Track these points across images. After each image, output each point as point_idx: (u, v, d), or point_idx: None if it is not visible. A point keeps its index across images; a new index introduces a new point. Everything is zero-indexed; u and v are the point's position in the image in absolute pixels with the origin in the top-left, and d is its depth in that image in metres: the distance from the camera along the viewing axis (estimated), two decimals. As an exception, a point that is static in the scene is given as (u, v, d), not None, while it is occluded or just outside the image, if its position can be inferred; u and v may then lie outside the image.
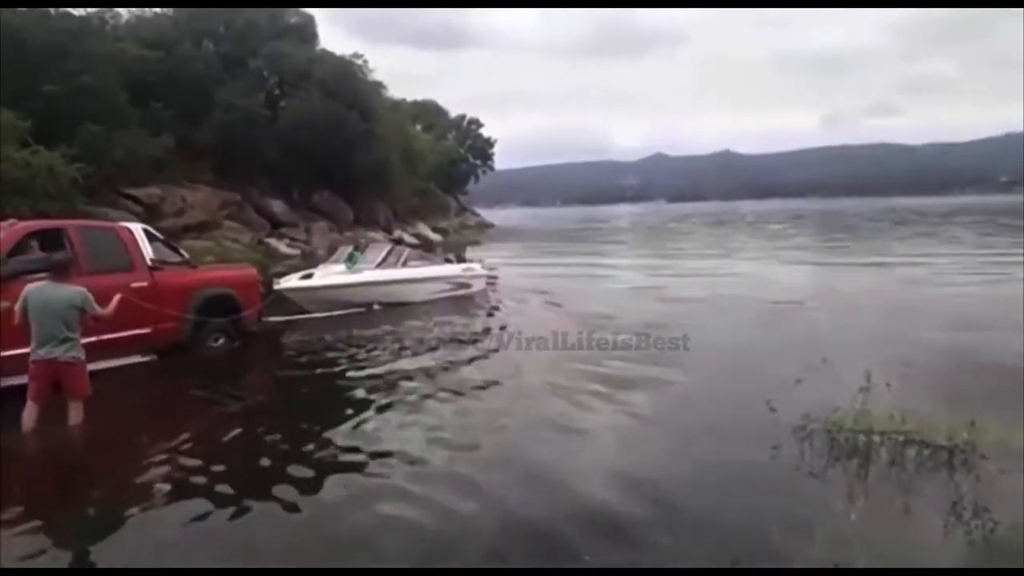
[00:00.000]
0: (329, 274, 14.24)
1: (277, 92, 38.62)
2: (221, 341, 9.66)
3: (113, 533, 4.52)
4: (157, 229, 10.66)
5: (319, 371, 8.93)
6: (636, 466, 5.43)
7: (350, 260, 14.68)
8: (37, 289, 6.12)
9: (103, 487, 5.35)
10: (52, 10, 30.48)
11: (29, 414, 6.06)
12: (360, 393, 7.74)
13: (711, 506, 4.71)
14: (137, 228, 9.27)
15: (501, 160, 77.07)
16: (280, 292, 13.03)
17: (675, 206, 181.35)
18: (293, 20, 40.71)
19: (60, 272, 6.28)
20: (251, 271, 11.06)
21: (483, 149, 71.46)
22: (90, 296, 6.26)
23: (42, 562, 4.15)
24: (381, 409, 7.11)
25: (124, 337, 8.08)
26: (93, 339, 6.80)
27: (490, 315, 13.57)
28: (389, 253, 15.07)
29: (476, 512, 4.66)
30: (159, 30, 35.94)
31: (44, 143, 24.07)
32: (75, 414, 6.21)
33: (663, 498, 4.79)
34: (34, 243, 7.88)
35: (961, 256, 22.87)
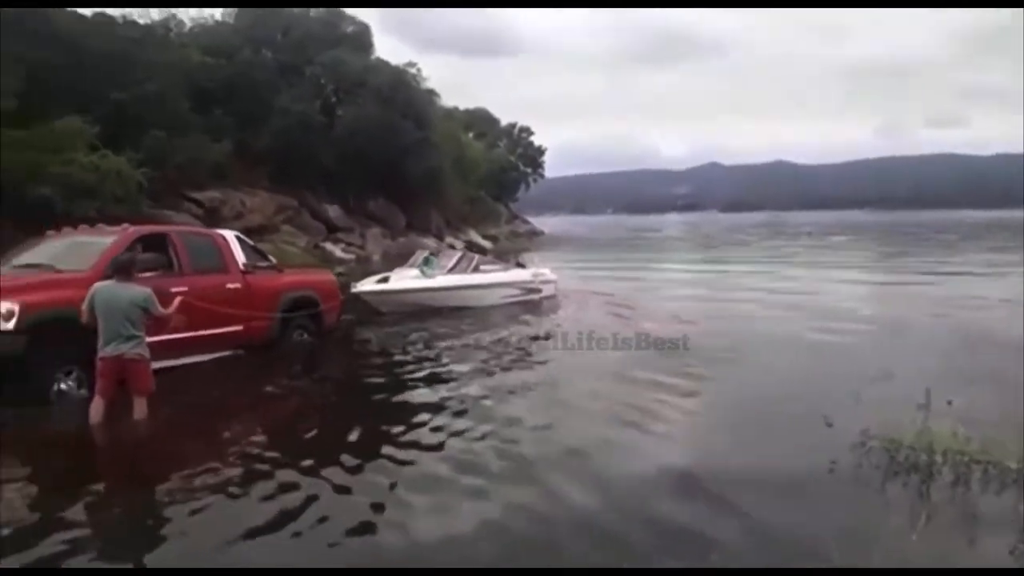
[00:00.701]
0: (404, 278, 14.80)
1: (333, 99, 39.27)
2: (304, 338, 10.33)
3: (198, 513, 4.72)
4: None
5: (388, 368, 9.44)
6: (695, 473, 5.41)
7: (426, 264, 15.32)
8: (103, 288, 6.34)
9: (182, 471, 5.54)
10: (118, 18, 31.57)
11: (96, 409, 6.29)
12: (422, 389, 8.21)
13: (769, 518, 4.65)
14: (231, 235, 10.05)
15: (551, 168, 77.36)
16: (357, 294, 13.81)
17: (727, 215, 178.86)
18: (349, 29, 41.39)
19: (124, 272, 6.48)
20: (331, 276, 11.77)
21: (533, 157, 71.64)
22: (153, 296, 6.46)
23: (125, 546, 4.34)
24: (438, 407, 7.34)
25: (219, 333, 8.81)
26: (201, 333, 8.19)
27: (556, 319, 13.93)
28: (461, 259, 15.79)
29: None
30: (220, 38, 36.91)
31: (111, 148, 24.88)
32: (139, 409, 6.42)
33: (720, 504, 4.77)
34: (139, 246, 8.40)
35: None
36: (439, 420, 6.90)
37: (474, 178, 50.35)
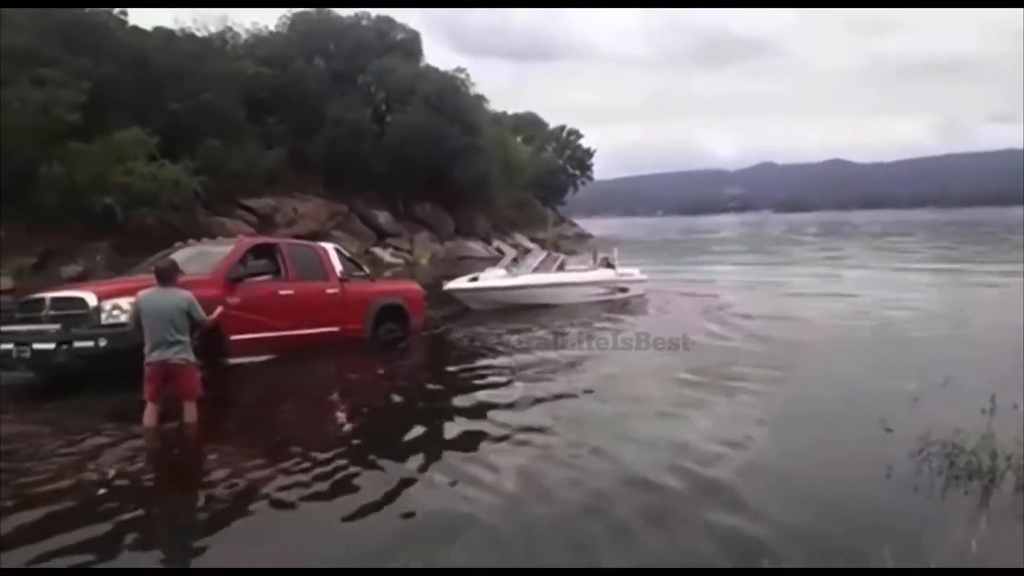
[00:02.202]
0: (492, 277, 15.83)
1: (384, 107, 39.74)
2: (395, 337, 11.30)
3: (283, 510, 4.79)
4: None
5: (474, 362, 10.01)
6: (752, 479, 5.29)
7: (514, 264, 16.63)
8: (148, 295, 6.45)
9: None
10: (177, 31, 32.53)
11: (149, 414, 6.39)
12: (496, 381, 8.74)
13: (825, 523, 4.54)
14: (330, 247, 11.23)
15: (600, 170, 76.83)
16: (449, 292, 15.18)
17: (782, 216, 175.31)
18: (399, 37, 41.91)
19: (166, 278, 6.52)
20: (417, 286, 12.74)
21: (582, 159, 71.31)
22: (195, 301, 6.57)
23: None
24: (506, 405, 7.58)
25: (320, 333, 9.98)
26: (303, 332, 9.67)
27: (638, 318, 14.14)
28: (545, 259, 16.71)
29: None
30: (274, 48, 37.74)
31: (169, 157, 25.61)
32: (189, 413, 6.50)
33: (778, 514, 4.66)
34: (252, 255, 9.68)
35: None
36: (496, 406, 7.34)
37: (521, 182, 50.36)
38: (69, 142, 23.43)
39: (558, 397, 7.85)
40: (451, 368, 9.93)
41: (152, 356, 6.32)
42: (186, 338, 6.42)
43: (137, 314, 6.41)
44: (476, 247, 39.17)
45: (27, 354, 7.83)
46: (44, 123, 22.53)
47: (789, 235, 58.47)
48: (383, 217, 36.94)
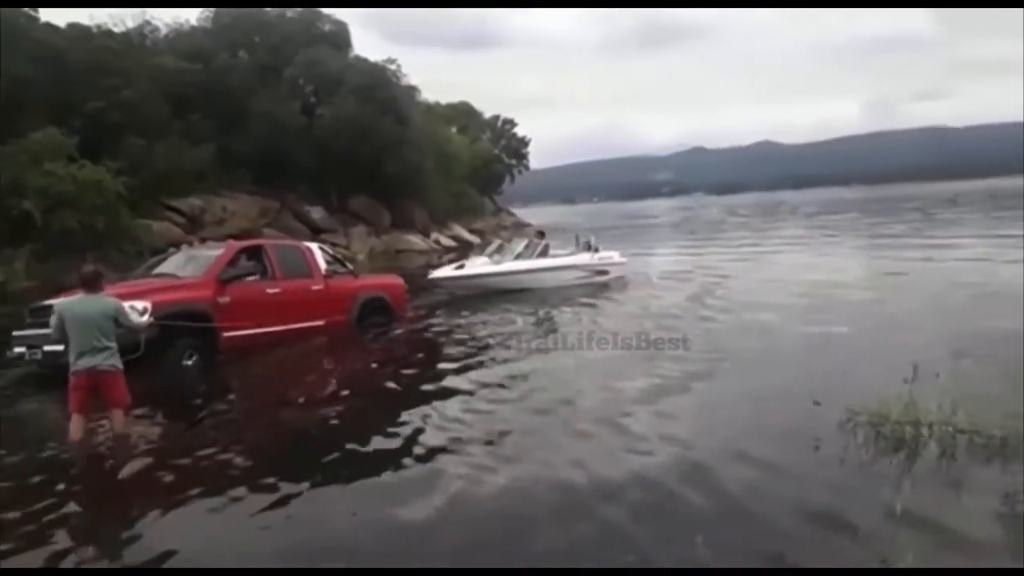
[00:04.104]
0: (476, 265, 16.62)
1: (313, 100, 39.02)
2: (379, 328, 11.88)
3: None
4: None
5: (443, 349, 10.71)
6: (680, 459, 5.38)
7: (499, 252, 17.30)
8: (71, 303, 6.20)
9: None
10: (94, 28, 31.32)
11: (75, 427, 6.13)
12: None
13: (755, 498, 4.63)
14: (314, 246, 11.86)
15: (536, 159, 76.70)
16: (434, 281, 16.02)
17: (714, 198, 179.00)
18: (327, 28, 41.11)
19: (92, 284, 6.27)
20: (399, 280, 13.30)
21: (517, 149, 71.15)
22: (123, 306, 6.38)
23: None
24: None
25: (307, 327, 10.53)
26: (291, 327, 10.17)
27: (614, 298, 14.72)
28: (526, 247, 17.18)
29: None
30: (196, 42, 36.61)
31: (90, 158, 24.69)
32: (119, 422, 6.26)
33: (709, 491, 4.75)
34: (243, 256, 10.33)
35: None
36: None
37: (457, 172, 50.07)
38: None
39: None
40: (422, 356, 10.42)
41: (78, 364, 6.04)
42: (113, 345, 6.17)
43: (61, 322, 6.13)
44: (414, 240, 38.89)
45: (38, 356, 8.30)
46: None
47: (731, 217, 59.05)
48: (317, 212, 36.30)
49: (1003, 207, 40.61)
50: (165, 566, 4.13)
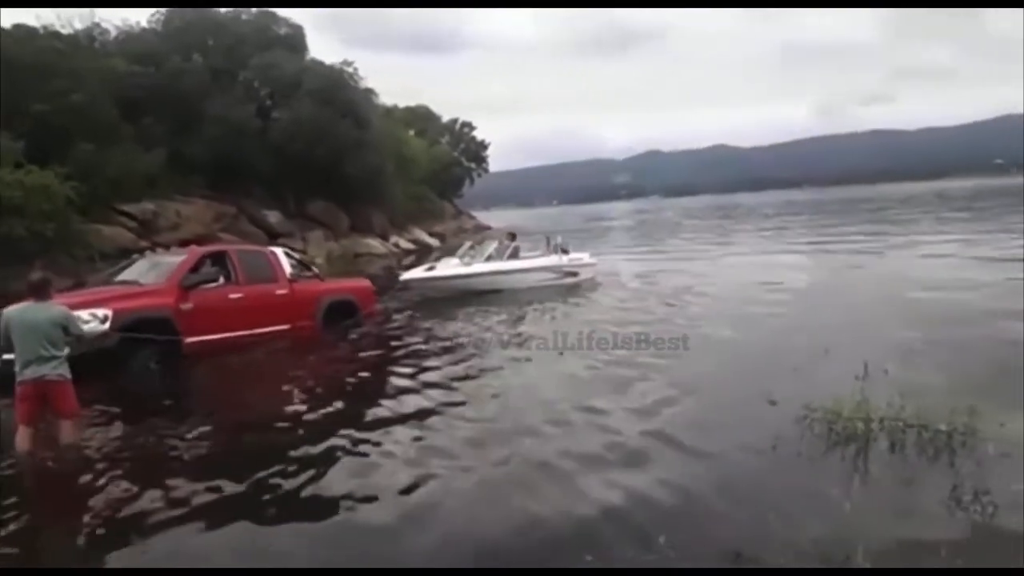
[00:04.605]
0: (447, 267, 16.70)
1: (268, 103, 38.53)
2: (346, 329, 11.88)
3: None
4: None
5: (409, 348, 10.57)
6: (642, 459, 5.46)
7: (469, 253, 17.36)
8: (18, 311, 6.01)
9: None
10: (40, 28, 30.51)
11: (22, 438, 5.96)
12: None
13: (713, 496, 4.73)
14: (279, 251, 11.96)
15: (495, 162, 76.72)
16: (406, 282, 16.10)
17: (671, 200, 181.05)
18: (283, 31, 40.61)
19: (40, 292, 6.12)
20: (367, 282, 13.58)
21: (476, 152, 71.23)
22: (72, 315, 6.26)
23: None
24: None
25: (272, 331, 10.64)
26: (256, 331, 10.31)
27: (583, 299, 14.97)
28: (497, 248, 17.20)
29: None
30: (147, 45, 35.86)
31: (37, 163, 24.03)
32: (67, 433, 6.09)
33: (670, 491, 4.82)
34: (207, 261, 10.48)
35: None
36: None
37: (416, 175, 49.90)
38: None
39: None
40: (385, 357, 10.26)
41: (25, 374, 5.88)
42: (62, 353, 6.02)
43: (6, 331, 5.96)
44: (373, 243, 38.63)
45: None
46: None
47: (689, 219, 59.27)
48: (274, 217, 35.81)
49: (952, 208, 41.97)
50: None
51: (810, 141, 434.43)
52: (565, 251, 17.81)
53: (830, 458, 5.22)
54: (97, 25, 35.65)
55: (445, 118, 69.53)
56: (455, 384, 8.07)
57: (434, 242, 43.55)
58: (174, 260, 10.48)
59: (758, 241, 29.82)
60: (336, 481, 5.34)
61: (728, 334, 10.17)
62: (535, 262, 17.36)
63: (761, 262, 20.68)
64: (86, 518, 5.00)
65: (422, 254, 34.14)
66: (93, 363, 7.69)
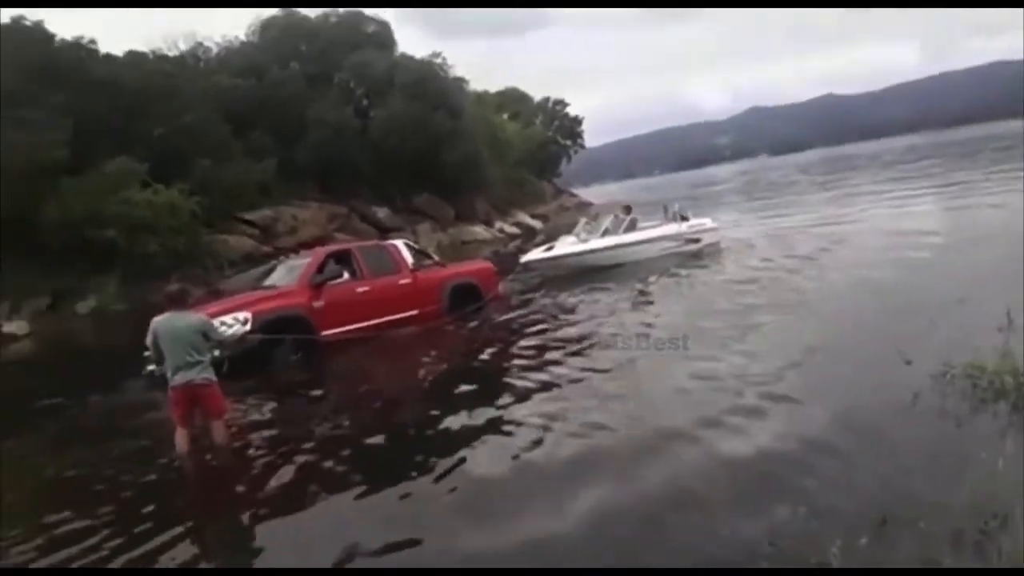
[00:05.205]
0: (565, 245, 16.75)
1: (365, 102, 39.54)
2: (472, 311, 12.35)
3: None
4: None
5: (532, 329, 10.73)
6: (781, 422, 5.38)
7: (586, 230, 17.35)
8: (163, 320, 6.44)
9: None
10: (149, 53, 32.33)
11: (181, 439, 6.44)
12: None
13: (857, 456, 4.60)
14: (400, 243, 12.56)
15: (590, 138, 76.08)
16: (526, 264, 16.13)
17: (780, 158, 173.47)
18: (371, 29, 41.58)
19: (178, 302, 6.56)
20: (489, 265, 13.89)
21: (571, 129, 70.47)
22: (210, 321, 6.72)
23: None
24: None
25: (399, 319, 11.29)
26: (384, 320, 10.98)
27: (706, 265, 14.83)
28: (612, 223, 17.18)
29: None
30: (247, 58, 37.55)
31: (161, 182, 25.59)
32: (218, 433, 6.53)
33: (813, 448, 4.75)
34: (331, 261, 11.09)
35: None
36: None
37: (512, 159, 49.96)
38: (61, 179, 23.49)
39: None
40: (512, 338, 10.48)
41: (175, 380, 6.35)
42: (205, 358, 6.46)
43: (155, 341, 6.43)
44: (478, 230, 39.05)
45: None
46: (33, 165, 22.55)
47: (804, 175, 55.52)
48: (383, 213, 36.84)
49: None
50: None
51: (924, 81, 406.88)
52: (685, 218, 17.48)
53: (976, 417, 4.94)
54: (200, 44, 37.58)
55: (537, 98, 69.19)
56: (589, 354, 8.37)
57: (537, 224, 43.40)
58: (303, 262, 11.30)
59: (883, 192, 28.06)
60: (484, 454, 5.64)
61: (872, 290, 9.78)
62: (654, 232, 17.12)
63: (894, 214, 19.09)
64: (250, 509, 5.36)
65: (527, 237, 34.20)
66: (243, 362, 8.85)
